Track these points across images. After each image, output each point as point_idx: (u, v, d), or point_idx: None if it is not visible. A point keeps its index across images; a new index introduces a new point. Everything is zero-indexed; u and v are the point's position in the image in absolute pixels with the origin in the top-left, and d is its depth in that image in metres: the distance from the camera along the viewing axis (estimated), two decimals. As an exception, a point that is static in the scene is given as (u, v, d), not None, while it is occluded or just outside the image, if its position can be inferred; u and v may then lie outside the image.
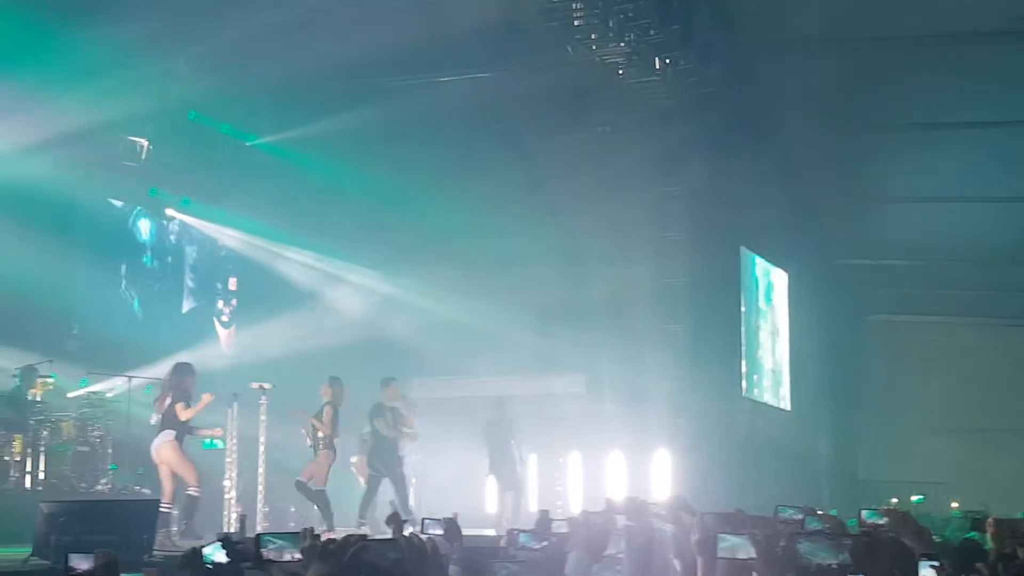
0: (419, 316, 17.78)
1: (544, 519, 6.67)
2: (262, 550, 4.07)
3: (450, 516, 5.16)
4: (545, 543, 5.56)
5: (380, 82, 15.83)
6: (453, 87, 16.50)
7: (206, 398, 11.15)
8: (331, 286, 17.82)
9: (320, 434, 12.59)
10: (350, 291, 17.91)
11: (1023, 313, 22.62)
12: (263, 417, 12.01)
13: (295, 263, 17.64)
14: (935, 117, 18.86)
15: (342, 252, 17.82)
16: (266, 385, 12.02)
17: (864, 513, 6.07)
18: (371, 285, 18.05)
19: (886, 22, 16.72)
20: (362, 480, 14.56)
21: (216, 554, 4.19)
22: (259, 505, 12.10)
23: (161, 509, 10.61)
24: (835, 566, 3.95)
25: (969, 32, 16.49)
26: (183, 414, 11.00)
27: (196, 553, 4.19)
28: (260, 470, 12.11)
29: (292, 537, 4.09)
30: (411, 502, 13.90)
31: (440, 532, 4.99)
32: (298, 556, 3.97)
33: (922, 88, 17.73)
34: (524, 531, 6.02)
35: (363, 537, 4.05)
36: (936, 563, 4.12)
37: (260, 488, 12.14)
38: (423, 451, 16.08)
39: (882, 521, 5.89)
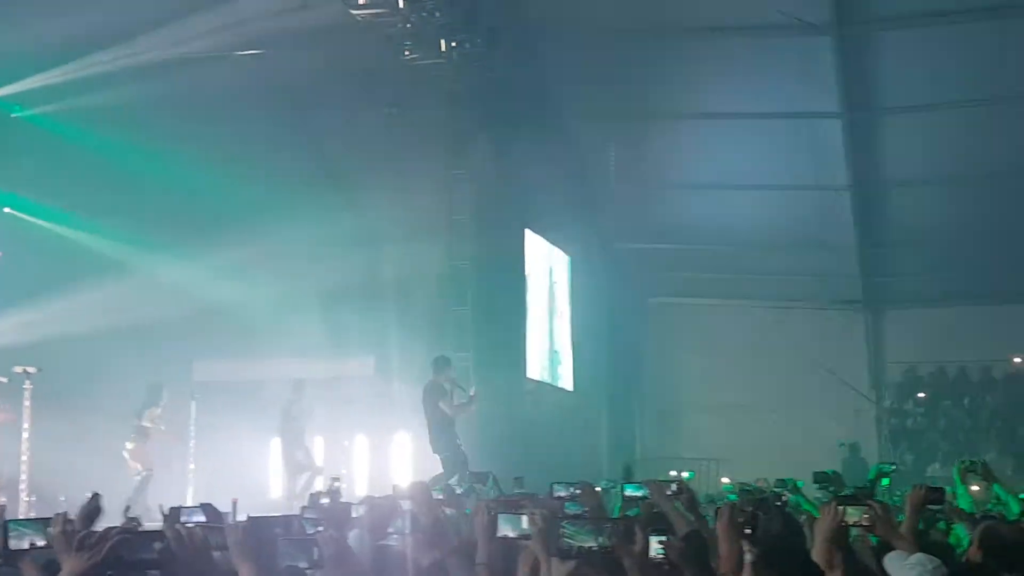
0: (200, 298, 17.28)
1: (335, 504, 6.70)
2: (9, 539, 3.86)
3: (207, 503, 5.08)
4: (320, 528, 5.55)
5: (157, 54, 15.26)
6: (237, 61, 16.08)
7: None
8: (108, 267, 17.09)
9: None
10: (128, 273, 17.21)
11: (789, 295, 23.76)
12: (27, 403, 11.45)
13: (66, 242, 16.83)
14: (712, 106, 19.62)
15: (117, 232, 17.11)
16: (31, 369, 11.46)
17: (625, 487, 6.30)
18: (150, 266, 17.41)
19: (665, 12, 17.30)
20: (139, 467, 14.11)
21: None
22: (23, 495, 11.54)
23: None
24: (595, 548, 4.07)
25: (743, 25, 17.25)
26: None
27: None
28: (24, 458, 11.54)
29: (40, 524, 3.89)
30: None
31: (203, 519, 4.89)
32: (42, 543, 3.78)
33: (700, 78, 18.41)
34: (306, 517, 6.01)
35: (125, 529, 3.91)
36: (664, 537, 4.30)
37: (23, 477, 11.57)
38: (205, 437, 15.69)
39: (639, 493, 6.12)
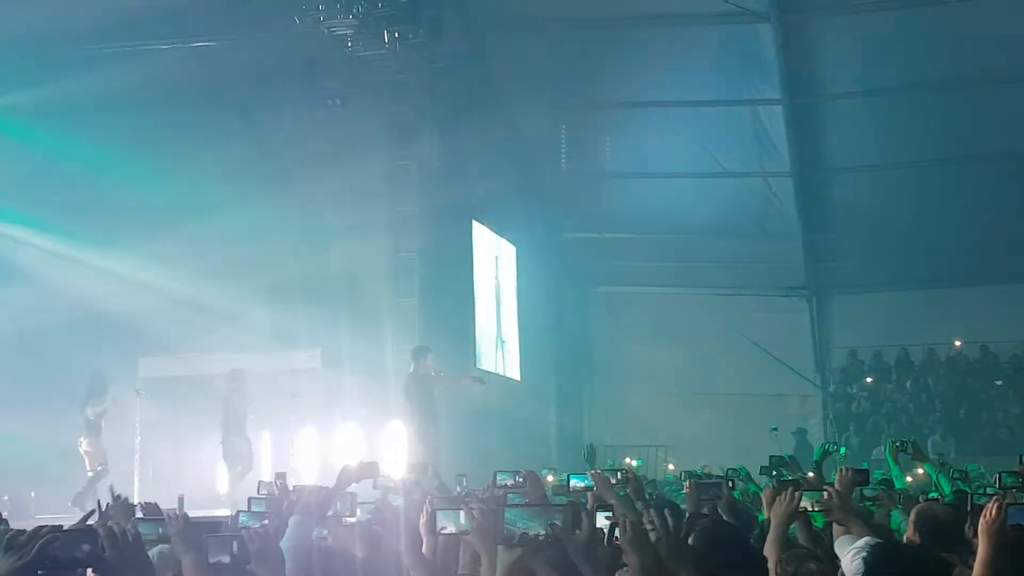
0: (145, 293, 17.13)
1: (275, 492, 6.66)
2: None
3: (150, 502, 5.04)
4: (266, 521, 5.52)
5: (98, 48, 15.11)
6: (177, 56, 15.95)
7: None
8: (48, 263, 16.88)
9: None
10: (69, 268, 17.02)
11: (734, 282, 23.91)
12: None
13: (5, 238, 16.60)
14: (655, 95, 19.73)
15: (58, 226, 16.90)
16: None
17: (571, 477, 6.31)
18: (92, 262, 17.22)
19: (606, 2, 17.39)
20: (95, 463, 14.00)
21: None
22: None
23: None
24: (541, 536, 4.03)
25: (681, 14, 17.37)
26: None
27: None
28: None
29: None
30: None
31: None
32: None
33: (643, 66, 18.50)
34: (245, 511, 5.96)
35: (55, 528, 3.88)
36: (609, 512, 4.30)
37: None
38: (151, 433, 15.59)
39: (582, 484, 6.15)
